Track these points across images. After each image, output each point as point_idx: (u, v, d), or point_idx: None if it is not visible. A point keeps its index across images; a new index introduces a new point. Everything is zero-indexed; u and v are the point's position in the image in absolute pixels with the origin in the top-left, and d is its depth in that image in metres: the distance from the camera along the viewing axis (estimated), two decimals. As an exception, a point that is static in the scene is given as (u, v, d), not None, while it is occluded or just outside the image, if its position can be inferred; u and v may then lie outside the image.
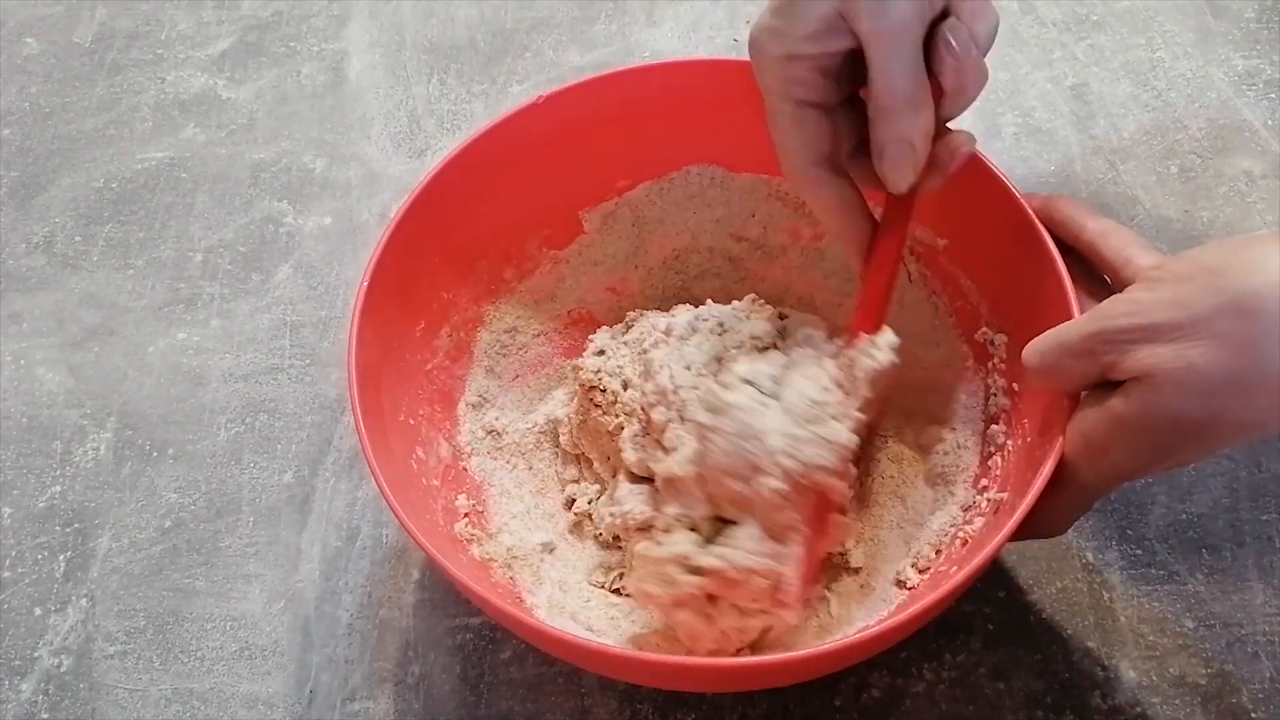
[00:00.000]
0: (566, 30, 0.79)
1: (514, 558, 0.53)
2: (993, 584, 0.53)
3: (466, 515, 0.53)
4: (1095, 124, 0.70)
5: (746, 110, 0.56)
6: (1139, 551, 0.54)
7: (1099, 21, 0.76)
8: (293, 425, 0.62)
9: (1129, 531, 0.54)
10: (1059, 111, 0.71)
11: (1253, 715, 0.49)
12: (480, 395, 0.58)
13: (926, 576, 0.51)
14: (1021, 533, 0.43)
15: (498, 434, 0.57)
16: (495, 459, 0.57)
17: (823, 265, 0.60)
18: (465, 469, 0.56)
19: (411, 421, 0.53)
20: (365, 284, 0.50)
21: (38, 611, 0.56)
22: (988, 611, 0.53)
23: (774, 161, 0.59)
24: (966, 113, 0.73)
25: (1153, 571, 0.53)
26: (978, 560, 0.42)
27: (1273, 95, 0.70)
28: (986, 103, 0.71)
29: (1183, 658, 0.51)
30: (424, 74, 0.78)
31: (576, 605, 0.52)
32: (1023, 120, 0.71)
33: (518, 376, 0.60)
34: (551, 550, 0.54)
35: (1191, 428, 0.40)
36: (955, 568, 0.48)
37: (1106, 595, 0.53)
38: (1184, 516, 0.55)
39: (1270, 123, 0.69)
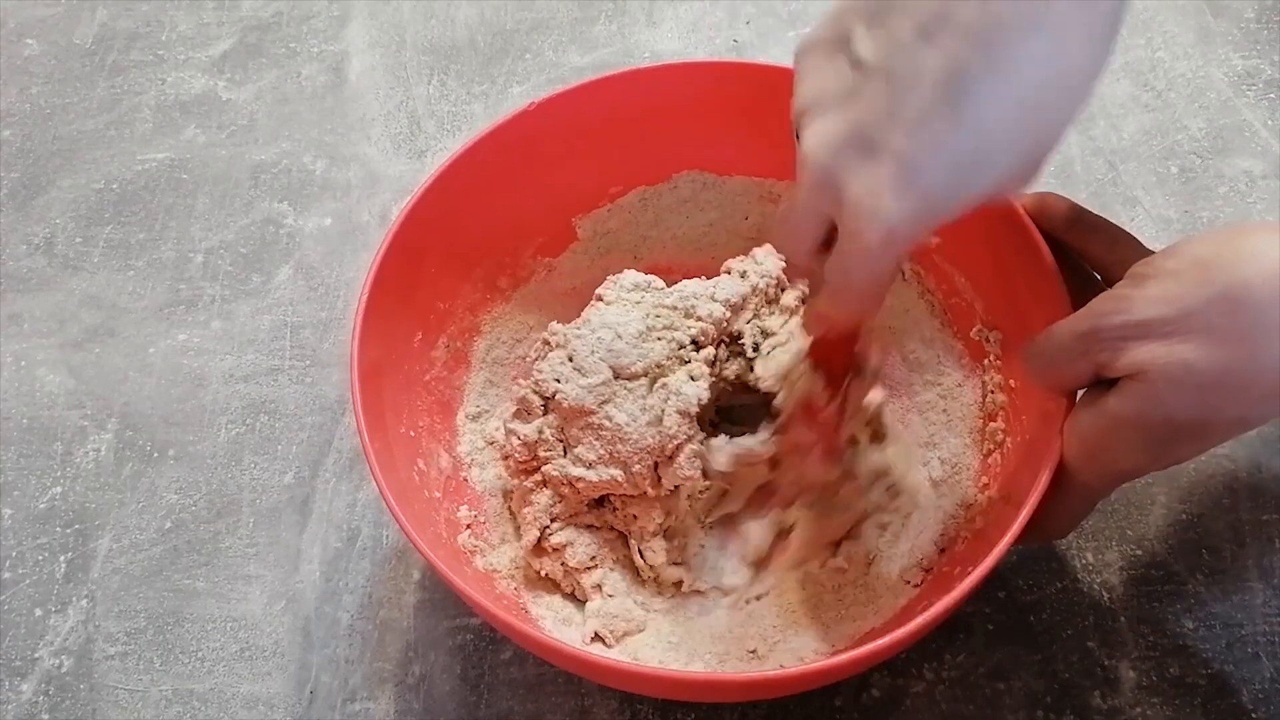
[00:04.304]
0: (566, 31, 0.79)
1: (517, 569, 0.53)
2: (993, 584, 0.53)
3: (469, 527, 0.53)
4: (1095, 124, 0.70)
5: (737, 113, 0.56)
6: (1139, 551, 0.54)
7: (1099, 21, 0.76)
8: (293, 426, 0.62)
9: (1129, 531, 0.54)
10: (1059, 111, 0.71)
11: (1253, 715, 0.49)
12: (479, 405, 0.58)
13: (931, 575, 0.51)
14: (1025, 537, 0.43)
15: (498, 444, 0.57)
16: (496, 469, 0.57)
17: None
18: (466, 480, 0.56)
19: (412, 434, 0.53)
20: (364, 298, 0.50)
21: (38, 612, 0.56)
22: (988, 611, 0.53)
23: (764, 165, 0.59)
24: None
25: (1153, 572, 0.53)
26: (981, 568, 0.42)
27: (1273, 95, 0.70)
28: (986, 103, 0.71)
29: (1183, 658, 0.51)
30: (424, 75, 0.78)
31: (580, 615, 0.52)
32: (1022, 120, 0.71)
33: (515, 385, 0.59)
34: None
35: (1188, 424, 0.40)
36: (959, 567, 0.48)
37: (1106, 595, 0.53)
38: (1184, 516, 0.55)
39: (1270, 123, 0.69)
